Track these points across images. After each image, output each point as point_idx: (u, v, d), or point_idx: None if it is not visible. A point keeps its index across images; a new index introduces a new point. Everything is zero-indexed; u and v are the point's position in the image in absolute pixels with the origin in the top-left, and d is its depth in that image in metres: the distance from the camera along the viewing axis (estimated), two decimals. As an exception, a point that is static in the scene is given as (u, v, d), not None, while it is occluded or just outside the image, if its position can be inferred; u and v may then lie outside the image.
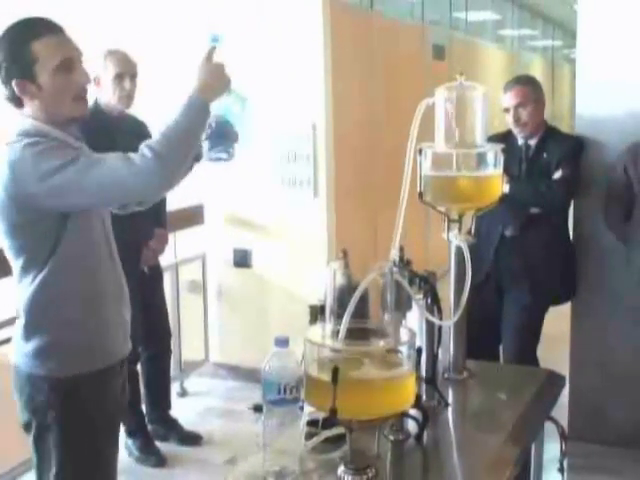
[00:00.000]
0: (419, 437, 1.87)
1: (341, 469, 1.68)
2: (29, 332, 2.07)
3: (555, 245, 3.58)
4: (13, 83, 1.98)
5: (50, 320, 2.06)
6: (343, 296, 1.58)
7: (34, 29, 1.98)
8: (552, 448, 2.33)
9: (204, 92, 2.04)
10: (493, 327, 3.61)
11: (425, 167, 2.14)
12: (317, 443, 1.75)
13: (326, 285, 1.63)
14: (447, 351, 2.29)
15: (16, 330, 2.12)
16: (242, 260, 4.71)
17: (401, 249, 1.97)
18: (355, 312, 1.54)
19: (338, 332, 1.56)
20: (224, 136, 2.25)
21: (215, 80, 2.07)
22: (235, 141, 2.27)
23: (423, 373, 1.99)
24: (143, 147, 1.98)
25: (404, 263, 1.95)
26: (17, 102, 2.01)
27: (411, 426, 1.89)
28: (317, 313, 1.83)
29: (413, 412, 1.85)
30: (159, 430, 3.90)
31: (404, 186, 2.07)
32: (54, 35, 1.99)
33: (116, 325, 2.18)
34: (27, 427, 2.12)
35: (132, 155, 1.98)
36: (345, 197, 4.73)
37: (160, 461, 3.74)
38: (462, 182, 2.14)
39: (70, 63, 2.00)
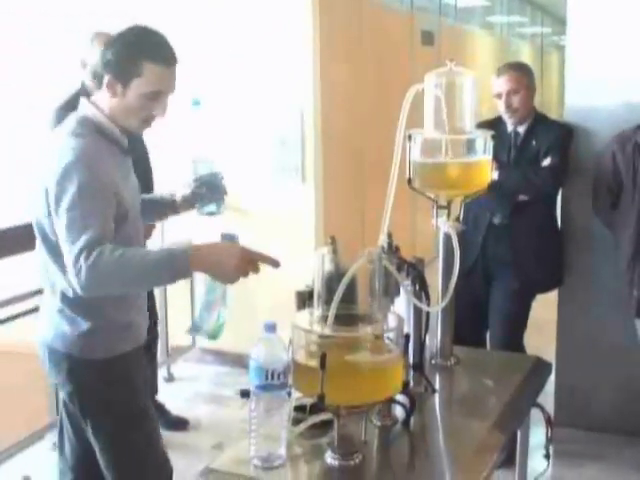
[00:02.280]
0: (406, 423, 1.88)
1: (328, 455, 1.69)
2: (73, 315, 2.12)
3: (543, 232, 3.58)
4: (107, 77, 2.07)
5: (100, 304, 2.09)
6: (331, 282, 1.58)
7: (156, 51, 2.07)
8: (538, 434, 2.35)
9: (197, 260, 1.92)
10: (480, 314, 3.62)
11: (414, 153, 2.14)
12: (304, 429, 1.76)
13: (314, 271, 1.63)
14: (435, 337, 2.30)
15: (52, 311, 2.15)
16: (229, 246, 4.69)
17: (389, 235, 1.97)
18: (343, 298, 1.54)
19: (326, 318, 1.56)
20: (215, 192, 2.32)
21: (217, 263, 1.94)
22: (225, 194, 2.34)
23: (411, 359, 2.00)
24: (101, 248, 1.89)
25: (392, 249, 1.96)
26: (99, 84, 2.11)
27: (398, 412, 1.90)
28: (305, 299, 1.83)
29: (400, 398, 1.85)
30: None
31: (393, 172, 2.06)
32: (166, 67, 2.08)
33: (144, 304, 2.29)
34: (69, 397, 2.21)
35: (98, 250, 1.90)
36: (333, 183, 4.73)
37: None
38: (451, 168, 2.14)
39: (159, 95, 2.09)
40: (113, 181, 2.06)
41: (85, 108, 2.15)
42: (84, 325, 2.12)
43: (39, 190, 2.07)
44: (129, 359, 2.18)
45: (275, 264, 1.96)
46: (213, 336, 1.99)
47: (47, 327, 2.18)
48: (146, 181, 3.52)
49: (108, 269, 1.88)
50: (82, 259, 1.89)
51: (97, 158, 2.05)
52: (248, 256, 1.96)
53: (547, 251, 3.62)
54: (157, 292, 4.15)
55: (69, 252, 1.94)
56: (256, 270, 1.96)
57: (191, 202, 2.49)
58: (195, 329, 1.98)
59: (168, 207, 2.50)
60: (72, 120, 2.14)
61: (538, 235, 3.55)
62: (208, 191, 2.45)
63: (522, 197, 3.49)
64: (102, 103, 2.13)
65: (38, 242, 2.14)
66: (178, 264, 1.90)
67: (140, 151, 3.58)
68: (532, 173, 3.44)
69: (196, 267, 1.93)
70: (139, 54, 2.06)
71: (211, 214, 2.36)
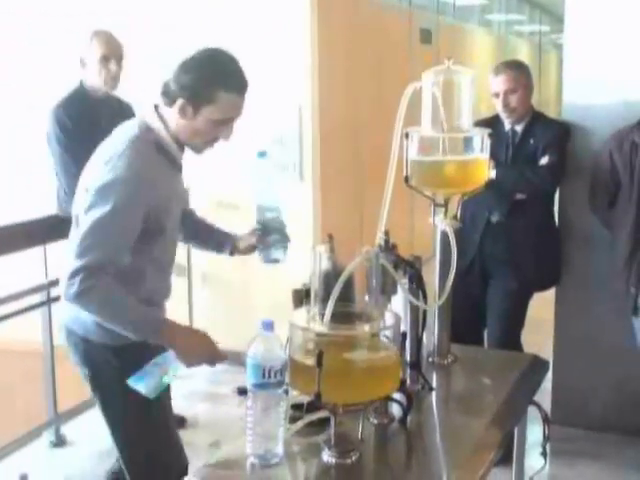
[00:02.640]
0: (403, 421, 1.88)
1: (325, 453, 1.69)
2: None
3: (541, 231, 3.58)
4: (181, 100, 2.10)
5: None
6: (328, 280, 1.58)
7: (231, 80, 2.12)
8: (535, 432, 2.35)
9: (169, 335, 2.07)
10: (478, 312, 3.62)
11: (411, 151, 2.14)
12: (301, 427, 1.76)
13: (311, 269, 1.63)
14: (432, 335, 2.30)
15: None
16: (227, 244, 4.70)
17: (387, 233, 1.97)
18: (340, 296, 1.54)
19: (323, 316, 1.56)
20: (282, 239, 2.32)
21: (186, 346, 2.09)
22: (289, 241, 2.35)
23: (408, 357, 2.00)
24: (98, 279, 1.99)
25: (389, 247, 1.96)
26: (169, 102, 2.13)
27: (395, 410, 1.90)
28: (302, 297, 1.83)
29: (397, 396, 1.86)
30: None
31: (390, 170, 2.06)
32: (238, 96, 2.13)
33: (164, 301, 2.42)
34: (86, 379, 2.29)
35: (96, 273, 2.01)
36: (331, 181, 4.72)
37: None
38: (448, 166, 2.14)
39: (227, 122, 2.15)
40: (155, 196, 2.11)
41: (151, 119, 2.17)
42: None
43: (83, 186, 2.16)
44: (144, 345, 2.15)
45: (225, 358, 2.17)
46: (148, 393, 2.09)
47: (67, 310, 2.23)
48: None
49: (93, 301, 2.01)
50: (79, 278, 1.98)
51: (145, 172, 2.10)
52: (215, 352, 2.15)
53: (545, 249, 3.62)
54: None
55: (72, 260, 2.01)
56: (213, 364, 2.15)
57: (254, 248, 2.56)
58: (135, 381, 2.09)
59: (226, 245, 2.58)
60: (135, 126, 2.17)
61: (536, 233, 3.55)
62: (274, 238, 2.45)
63: (520, 195, 3.49)
64: (169, 119, 2.16)
65: (72, 229, 2.20)
66: (150, 331, 2.06)
67: None
68: (530, 171, 3.44)
69: (166, 340, 2.07)
70: (215, 83, 2.10)
71: (276, 262, 2.38)
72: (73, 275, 1.98)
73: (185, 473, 2.28)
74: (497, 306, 3.58)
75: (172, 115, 2.14)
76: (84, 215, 2.08)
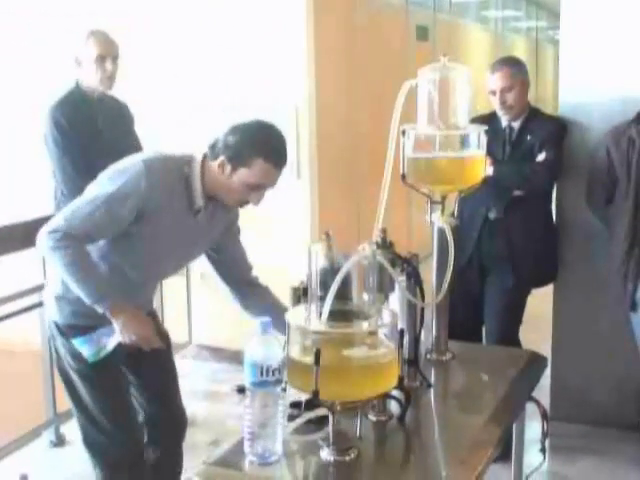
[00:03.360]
0: (401, 418, 1.88)
1: (323, 450, 1.69)
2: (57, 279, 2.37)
3: (538, 227, 3.58)
4: (222, 157, 2.24)
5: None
6: (326, 278, 1.58)
7: (272, 153, 2.23)
8: (534, 428, 2.36)
9: (117, 310, 2.24)
10: (476, 309, 3.62)
11: (408, 149, 2.14)
12: (300, 425, 1.76)
13: (308, 267, 1.63)
14: (429, 332, 2.30)
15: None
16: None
17: (384, 231, 1.97)
18: (338, 294, 1.55)
19: (321, 314, 1.56)
20: None
21: (127, 320, 2.26)
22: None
23: (406, 355, 2.00)
24: (71, 243, 2.20)
25: (387, 245, 1.96)
26: (213, 156, 2.27)
27: (393, 407, 1.91)
28: (299, 295, 1.84)
29: (395, 393, 1.86)
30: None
31: (387, 168, 2.07)
32: (275, 168, 2.24)
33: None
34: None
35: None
36: (328, 179, 4.72)
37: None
38: (445, 164, 2.14)
39: (259, 188, 2.27)
40: (155, 208, 2.22)
41: (195, 161, 2.28)
42: (59, 288, 2.36)
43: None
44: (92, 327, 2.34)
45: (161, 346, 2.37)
46: (88, 356, 2.34)
47: (46, 303, 2.45)
48: None
49: (62, 258, 2.18)
50: (57, 235, 2.18)
51: (160, 182, 2.23)
52: (151, 337, 2.31)
53: (542, 246, 3.62)
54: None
55: (60, 217, 2.21)
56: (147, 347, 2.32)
57: None
58: (80, 342, 2.34)
59: None
60: (180, 154, 2.31)
61: (533, 230, 3.55)
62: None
63: (517, 192, 3.49)
64: (210, 170, 2.28)
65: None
66: (101, 298, 2.22)
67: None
68: (527, 168, 3.44)
69: (112, 313, 2.23)
70: (256, 150, 2.21)
71: None
72: (54, 231, 2.18)
73: (138, 457, 2.47)
74: (495, 303, 3.58)
75: (213, 168, 2.26)
76: (93, 183, 2.28)
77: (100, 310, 2.22)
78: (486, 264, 3.58)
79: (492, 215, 3.52)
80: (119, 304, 2.24)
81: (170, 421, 2.63)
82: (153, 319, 2.51)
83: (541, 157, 3.45)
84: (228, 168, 2.23)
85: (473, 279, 3.58)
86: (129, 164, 2.26)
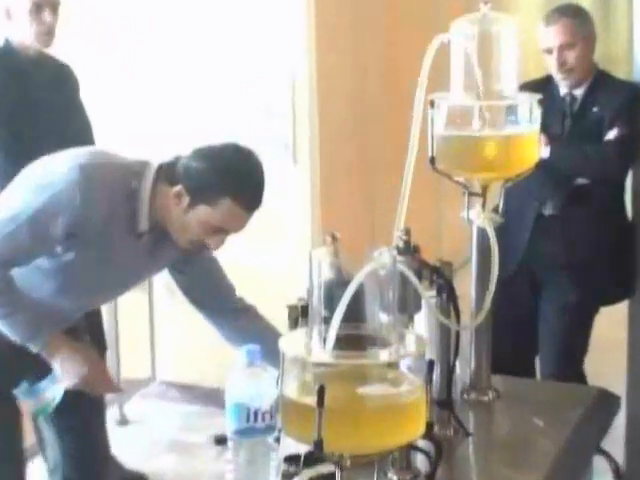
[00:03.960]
0: (430, 477, 1.88)
1: (329, 519, 1.70)
2: None
3: (608, 226, 3.59)
4: (181, 185, 2.28)
5: None
6: (331, 293, 1.59)
7: (246, 195, 2.29)
8: (604, 490, 2.36)
9: (55, 344, 2.33)
10: (527, 333, 3.63)
11: (438, 125, 2.14)
12: (298, 485, 1.77)
13: (309, 279, 1.63)
14: (467, 365, 2.31)
15: None
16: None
17: (407, 232, 1.98)
18: (347, 314, 1.54)
19: (325, 340, 1.56)
20: None
21: (69, 358, 2.33)
22: None
23: (436, 393, 2.00)
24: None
25: (410, 250, 1.96)
26: (170, 179, 2.31)
27: (420, 463, 1.91)
28: (297, 316, 1.84)
29: (423, 444, 1.86)
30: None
31: (410, 150, 2.07)
32: (246, 212, 2.32)
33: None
34: None
35: None
36: (333, 164, 4.73)
37: None
38: (486, 144, 2.15)
39: (221, 232, 2.33)
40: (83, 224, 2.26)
41: (144, 184, 2.31)
42: None
43: None
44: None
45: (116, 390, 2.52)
46: (32, 413, 2.47)
47: None
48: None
49: None
50: None
51: (98, 202, 2.26)
52: (102, 377, 2.40)
53: (613, 251, 3.62)
54: (104, 308, 4.16)
55: None
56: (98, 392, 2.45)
57: None
58: (24, 394, 2.44)
59: None
60: (126, 167, 2.34)
61: (601, 230, 3.56)
62: None
63: (580, 180, 3.50)
64: (164, 194, 2.31)
65: None
66: (33, 333, 2.30)
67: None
68: (593, 149, 3.45)
69: (48, 349, 2.30)
70: (224, 189, 2.26)
71: None
72: None
73: None
74: (553, 325, 3.59)
75: (167, 194, 2.30)
76: (13, 187, 2.34)
77: (35, 348, 2.27)
78: (540, 275, 3.59)
79: (547, 211, 3.53)
80: (57, 339, 2.30)
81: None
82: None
83: (611, 135, 3.46)
84: (186, 201, 2.27)
85: (523, 294, 3.58)
86: (61, 169, 2.27)
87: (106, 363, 2.47)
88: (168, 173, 2.31)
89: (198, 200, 2.26)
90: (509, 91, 2.16)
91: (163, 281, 4.77)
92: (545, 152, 3.28)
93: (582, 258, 3.54)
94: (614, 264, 3.63)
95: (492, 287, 2.10)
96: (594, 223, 3.54)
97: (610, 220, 3.61)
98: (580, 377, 3.57)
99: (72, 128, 3.54)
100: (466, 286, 2.26)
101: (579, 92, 3.53)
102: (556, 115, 3.50)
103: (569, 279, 3.54)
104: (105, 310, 4.15)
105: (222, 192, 2.25)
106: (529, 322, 3.62)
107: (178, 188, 2.27)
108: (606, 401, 2.39)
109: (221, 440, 1.71)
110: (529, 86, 3.29)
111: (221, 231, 2.32)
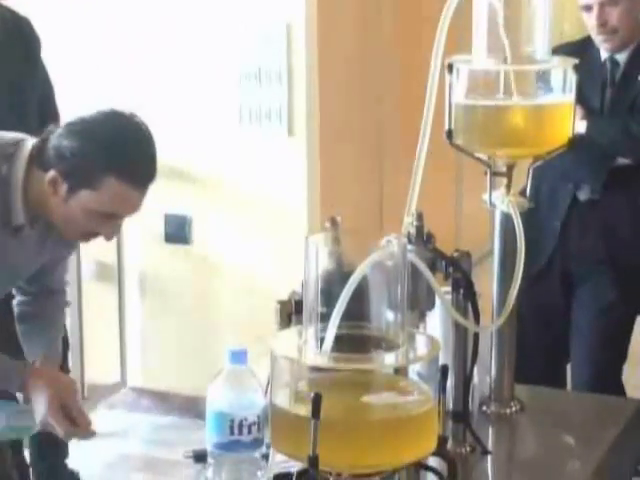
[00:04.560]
0: (443, 501, 1.89)
1: None
2: None
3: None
4: (53, 171, 2.21)
5: None
6: (331, 287, 1.59)
7: (131, 168, 2.22)
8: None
9: (36, 376, 2.35)
10: (558, 338, 3.64)
11: (457, 92, 2.15)
12: (289, 508, 1.77)
13: (305, 270, 1.64)
14: (487, 372, 2.32)
15: None
16: (177, 232, 4.70)
17: (419, 217, 1.98)
18: (348, 311, 1.55)
19: (322, 341, 1.57)
20: None
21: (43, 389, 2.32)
22: None
23: (450, 404, 2.01)
24: None
25: (424, 238, 1.97)
26: (42, 164, 2.25)
27: (431, 484, 1.92)
28: (290, 312, 1.84)
29: (434, 462, 1.87)
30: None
31: (425, 121, 2.07)
32: (135, 190, 2.23)
33: None
34: None
35: None
36: (334, 137, 4.73)
37: None
38: (513, 115, 2.15)
39: (113, 217, 2.28)
40: None
41: (14, 169, 2.26)
42: None
43: None
44: None
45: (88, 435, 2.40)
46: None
47: None
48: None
49: None
50: None
51: None
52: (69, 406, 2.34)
53: None
54: (69, 311, 4.17)
55: None
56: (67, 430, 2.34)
57: None
58: None
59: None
60: (3, 145, 2.29)
61: None
62: None
63: (622, 161, 3.50)
64: (39, 182, 2.25)
65: None
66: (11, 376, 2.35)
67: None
68: (637, 124, 3.45)
69: (31, 380, 2.33)
70: (105, 166, 2.19)
71: None
72: None
73: None
74: (587, 328, 3.59)
75: (41, 182, 2.24)
76: None
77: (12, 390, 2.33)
78: (574, 270, 3.59)
79: (584, 195, 3.53)
80: (27, 374, 2.35)
81: None
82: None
83: None
84: (63, 188, 2.22)
85: (554, 291, 3.59)
86: None
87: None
88: (39, 156, 2.25)
89: (77, 185, 2.20)
90: (540, 54, 2.16)
91: (136, 275, 4.81)
92: (582, 127, 3.28)
93: (623, 251, 3.54)
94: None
95: (517, 283, 2.10)
96: (637, 210, 3.54)
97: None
98: (618, 389, 3.58)
99: (30, 88, 3.54)
100: (486, 283, 2.27)
101: (622, 57, 3.53)
102: (595, 83, 3.50)
103: (608, 275, 3.54)
104: (68, 313, 4.15)
105: (103, 171, 2.18)
106: (560, 325, 3.63)
107: (52, 174, 2.21)
108: (646, 416, 2.40)
109: (200, 457, 1.71)
110: (564, 49, 3.29)
111: (112, 217, 2.27)
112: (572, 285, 3.62)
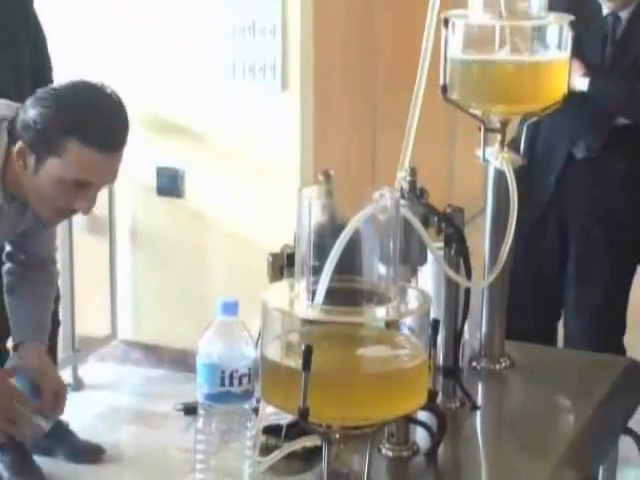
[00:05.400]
0: (431, 454, 1.91)
1: (313, 499, 1.72)
2: None
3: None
4: (20, 142, 2.22)
5: None
6: (323, 240, 1.59)
7: (93, 131, 2.19)
8: (630, 476, 2.39)
9: None
10: (550, 293, 3.65)
11: (453, 47, 2.14)
12: (278, 460, 1.78)
13: (297, 223, 1.64)
14: (477, 328, 2.32)
15: None
16: (170, 185, 4.69)
17: (412, 172, 1.98)
18: (340, 264, 1.55)
19: (314, 294, 1.58)
20: None
21: None
22: None
23: (440, 359, 2.02)
24: None
25: (417, 193, 1.97)
26: (14, 141, 2.24)
27: (420, 437, 1.93)
28: (282, 265, 1.84)
29: (424, 417, 1.88)
30: (41, 441, 3.93)
31: (420, 77, 2.07)
32: (101, 155, 2.21)
33: None
34: None
35: None
36: (329, 91, 4.71)
37: None
38: (509, 71, 2.15)
39: (86, 186, 2.24)
40: None
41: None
42: None
43: None
44: None
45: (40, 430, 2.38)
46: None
47: None
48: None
49: None
50: None
51: None
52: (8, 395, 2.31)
53: None
54: (59, 257, 4.15)
55: None
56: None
57: None
58: None
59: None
60: None
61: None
62: None
63: (621, 120, 3.49)
64: (13, 162, 2.25)
65: None
66: None
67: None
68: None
69: None
70: (65, 129, 2.18)
71: None
72: None
73: None
74: (582, 287, 3.60)
75: (13, 159, 2.24)
76: None
77: None
78: (570, 225, 3.59)
79: (580, 153, 3.53)
80: None
81: None
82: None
83: None
84: (32, 160, 2.22)
85: (548, 250, 3.59)
86: None
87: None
88: (11, 134, 2.25)
89: (43, 154, 2.21)
90: (536, 10, 2.15)
91: (128, 228, 4.81)
92: (582, 84, 3.27)
93: (618, 208, 3.54)
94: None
95: (509, 239, 2.11)
96: (633, 170, 3.54)
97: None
98: (617, 346, 3.59)
99: (22, 41, 3.53)
100: (479, 238, 2.27)
101: (625, 13, 3.49)
102: (595, 38, 3.46)
103: (603, 232, 3.54)
104: (59, 256, 4.15)
105: (65, 135, 2.18)
106: (553, 282, 3.64)
107: (19, 146, 2.22)
108: (637, 374, 2.41)
109: (190, 409, 1.71)
110: (562, 4, 3.26)
111: (83, 186, 2.24)
112: (566, 242, 3.62)
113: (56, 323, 4.02)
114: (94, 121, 2.21)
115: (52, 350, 4.01)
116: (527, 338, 2.49)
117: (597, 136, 3.48)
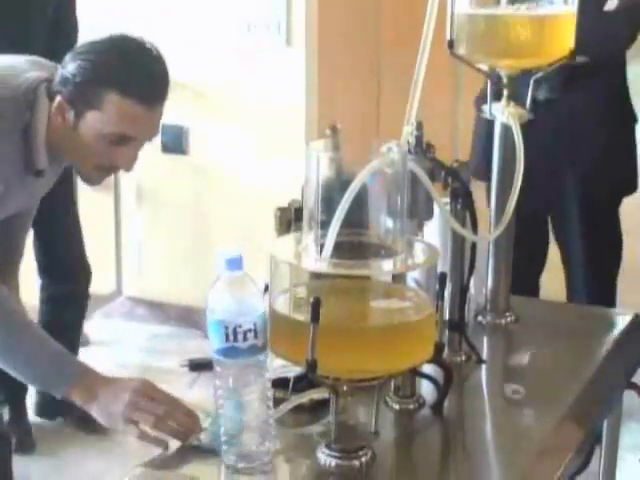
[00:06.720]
0: (438, 406, 1.92)
1: (322, 450, 1.73)
2: None
3: (610, 113, 3.60)
4: (59, 96, 2.19)
5: None
6: (330, 194, 1.60)
7: (134, 82, 2.16)
8: (633, 430, 2.40)
9: (82, 388, 2.08)
10: (535, 246, 3.67)
11: (460, 1, 2.14)
12: (286, 412, 1.80)
13: (304, 178, 1.65)
14: (483, 283, 2.33)
15: None
16: (174, 142, 4.69)
17: (419, 126, 1.98)
18: (348, 218, 1.56)
19: (321, 248, 1.58)
20: None
21: (104, 400, 2.08)
22: None
23: (447, 313, 2.03)
24: None
25: (423, 148, 1.97)
26: (51, 95, 2.21)
27: (426, 390, 1.95)
28: (290, 219, 1.85)
29: (429, 370, 1.90)
30: (45, 402, 3.94)
31: (426, 32, 2.06)
32: (141, 107, 2.16)
33: None
34: None
35: None
36: (333, 48, 4.70)
37: (25, 444, 3.84)
38: (516, 25, 2.14)
39: (127, 141, 2.20)
40: None
41: (38, 113, 2.22)
42: None
43: None
44: None
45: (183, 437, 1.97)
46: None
47: None
48: None
49: None
50: None
51: None
52: (148, 391, 2.15)
53: (614, 138, 3.65)
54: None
55: None
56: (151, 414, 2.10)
57: None
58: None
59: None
60: (16, 95, 2.22)
61: (604, 116, 3.57)
62: None
63: (580, 58, 3.46)
64: (50, 118, 2.22)
65: None
66: (57, 383, 2.09)
67: None
68: (593, 20, 3.40)
69: (81, 399, 2.07)
70: (106, 80, 2.15)
71: None
72: None
73: None
74: (569, 232, 3.63)
75: (52, 115, 2.22)
76: None
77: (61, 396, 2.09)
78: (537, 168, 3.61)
79: (542, 95, 3.49)
80: (86, 378, 2.10)
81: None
82: None
83: (612, 3, 3.42)
84: (71, 115, 2.19)
85: (544, 198, 3.60)
86: None
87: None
88: (49, 92, 2.23)
89: (82, 107, 2.17)
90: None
91: (133, 183, 4.81)
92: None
93: (582, 150, 3.55)
94: (613, 157, 3.65)
95: (515, 194, 2.11)
96: (595, 109, 3.55)
97: (612, 106, 3.64)
98: (611, 293, 3.61)
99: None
100: (484, 193, 2.27)
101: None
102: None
103: (576, 176, 3.56)
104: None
105: (104, 86, 2.15)
106: (538, 234, 3.67)
107: (58, 101, 2.20)
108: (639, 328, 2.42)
109: (196, 366, 1.72)
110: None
111: (124, 141, 2.21)
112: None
113: (84, 292, 4.04)
114: (134, 73, 2.19)
115: (75, 322, 4.04)
116: (530, 293, 2.49)
117: (554, 77, 3.47)
